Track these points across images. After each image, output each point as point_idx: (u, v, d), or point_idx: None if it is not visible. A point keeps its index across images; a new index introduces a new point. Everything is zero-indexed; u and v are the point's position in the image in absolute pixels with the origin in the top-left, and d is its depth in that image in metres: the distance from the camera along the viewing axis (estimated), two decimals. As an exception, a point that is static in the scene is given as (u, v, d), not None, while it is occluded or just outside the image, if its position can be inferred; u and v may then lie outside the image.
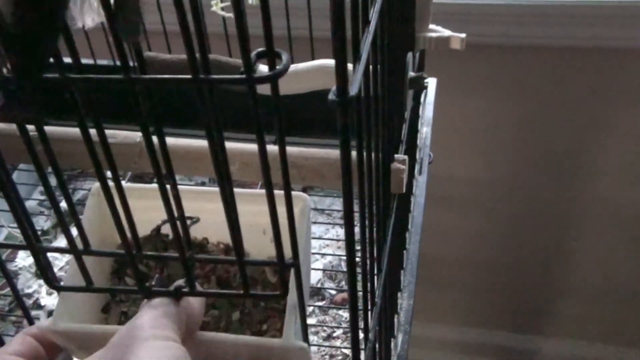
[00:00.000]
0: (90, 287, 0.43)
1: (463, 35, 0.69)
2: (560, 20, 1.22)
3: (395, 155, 0.56)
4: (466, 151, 1.50)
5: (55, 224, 1.02)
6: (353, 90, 0.32)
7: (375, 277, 0.52)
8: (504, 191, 1.55)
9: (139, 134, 0.62)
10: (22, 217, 0.38)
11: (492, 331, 1.87)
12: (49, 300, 0.86)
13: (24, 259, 0.97)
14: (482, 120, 1.44)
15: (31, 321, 0.49)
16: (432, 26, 0.73)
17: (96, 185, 0.51)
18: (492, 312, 1.84)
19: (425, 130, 0.99)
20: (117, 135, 0.62)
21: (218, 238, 0.55)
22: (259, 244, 0.53)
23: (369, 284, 0.48)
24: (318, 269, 0.94)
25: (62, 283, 0.46)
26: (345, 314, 0.89)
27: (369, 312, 0.49)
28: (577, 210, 1.55)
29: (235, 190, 0.41)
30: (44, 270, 0.43)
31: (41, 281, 0.91)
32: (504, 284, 1.76)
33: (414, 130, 0.86)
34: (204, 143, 0.60)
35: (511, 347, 1.86)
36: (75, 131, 0.62)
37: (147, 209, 0.47)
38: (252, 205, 0.47)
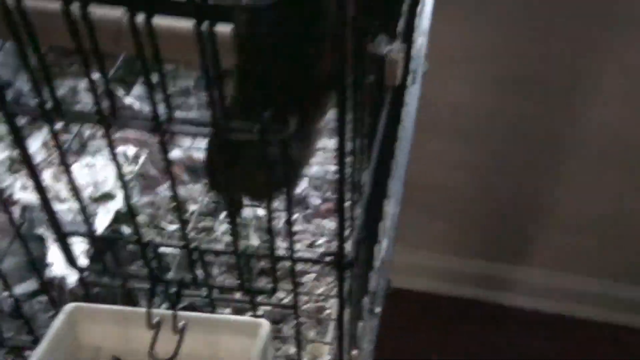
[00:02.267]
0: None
1: None
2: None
3: (392, 45, 0.53)
4: (457, 75, 1.47)
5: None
6: None
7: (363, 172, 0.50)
8: (494, 118, 1.53)
9: (120, 11, 0.58)
10: None
11: (474, 260, 1.88)
12: (24, 195, 0.84)
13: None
14: (475, 44, 1.40)
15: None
16: None
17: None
18: (475, 240, 1.85)
19: (420, 41, 0.95)
20: (94, 12, 0.58)
21: None
22: None
23: (356, 175, 0.46)
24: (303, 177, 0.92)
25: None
26: (328, 224, 0.88)
27: (355, 205, 0.47)
28: (565, 139, 1.53)
29: (196, 316, 0.43)
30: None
31: (16, 175, 0.88)
32: (488, 213, 1.75)
33: (409, 33, 0.82)
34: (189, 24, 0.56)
35: (493, 276, 1.88)
36: (51, 5, 0.58)
37: None
38: (211, 335, 0.44)
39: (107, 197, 0.85)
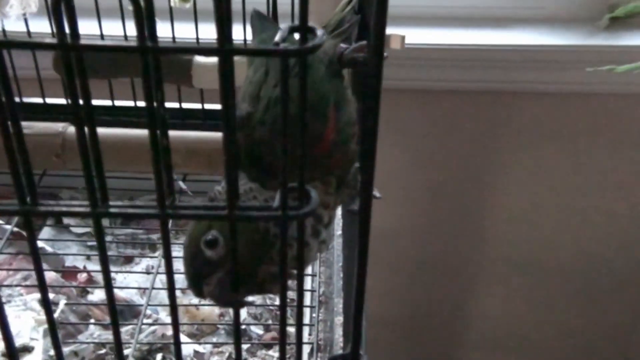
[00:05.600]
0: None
1: (403, 34, 0.67)
2: (471, 64, 1.25)
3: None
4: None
5: None
6: None
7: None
8: (406, 239, 1.53)
9: (61, 124, 0.53)
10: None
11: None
12: None
13: None
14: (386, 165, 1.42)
15: None
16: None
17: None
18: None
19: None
20: (34, 125, 0.53)
21: None
22: None
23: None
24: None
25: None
26: (274, 354, 0.81)
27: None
28: (475, 257, 1.55)
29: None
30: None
31: None
32: (406, 338, 1.72)
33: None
34: (143, 132, 0.52)
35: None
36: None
37: None
38: None
39: (24, 350, 0.75)
